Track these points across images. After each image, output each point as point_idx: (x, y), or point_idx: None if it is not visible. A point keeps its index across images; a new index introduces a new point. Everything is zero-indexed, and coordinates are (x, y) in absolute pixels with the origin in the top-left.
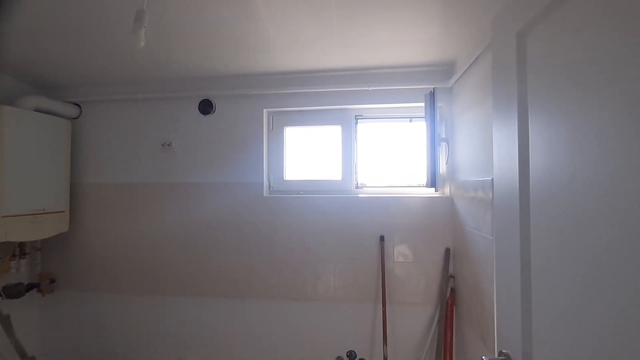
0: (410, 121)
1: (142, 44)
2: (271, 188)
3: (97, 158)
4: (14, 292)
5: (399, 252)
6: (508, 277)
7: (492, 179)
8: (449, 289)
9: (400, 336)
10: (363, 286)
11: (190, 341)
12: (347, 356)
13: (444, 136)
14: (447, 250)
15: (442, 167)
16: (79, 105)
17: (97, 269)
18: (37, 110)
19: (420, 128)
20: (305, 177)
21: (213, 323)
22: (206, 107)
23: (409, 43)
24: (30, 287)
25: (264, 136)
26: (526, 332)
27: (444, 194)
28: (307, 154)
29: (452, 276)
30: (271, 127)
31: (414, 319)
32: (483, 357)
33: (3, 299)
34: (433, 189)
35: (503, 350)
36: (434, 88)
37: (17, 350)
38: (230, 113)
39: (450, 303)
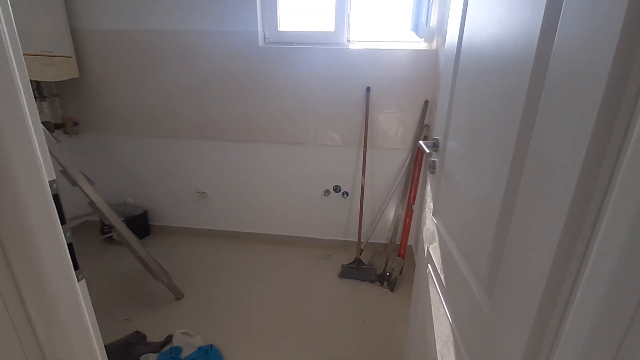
0: None
1: None
2: (266, 39)
3: (93, 3)
4: (45, 128)
5: (383, 103)
6: (443, 97)
7: None
8: (422, 136)
9: (378, 173)
10: (349, 132)
11: (202, 177)
12: (334, 189)
13: None
14: (426, 102)
15: (433, 19)
16: None
17: (113, 114)
18: None
19: None
20: (299, 29)
21: (219, 163)
22: None
23: None
24: (57, 126)
25: None
26: (446, 129)
27: (431, 47)
28: (301, 3)
29: (426, 125)
30: None
31: (391, 161)
32: (420, 142)
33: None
34: (420, 38)
35: (435, 137)
36: None
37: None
38: None
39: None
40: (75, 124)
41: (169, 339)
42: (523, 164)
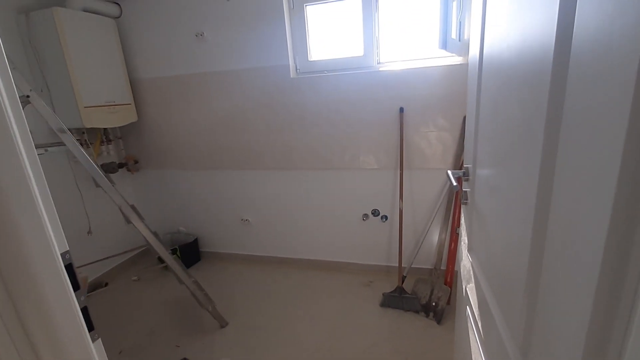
0: None
1: None
2: (297, 70)
3: (144, 55)
4: (109, 168)
5: (418, 122)
6: (469, 119)
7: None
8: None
9: (418, 195)
10: (384, 155)
11: (244, 205)
12: (372, 213)
13: None
14: (465, 118)
15: (467, 31)
16: (118, 4)
17: (166, 151)
18: (84, 10)
19: None
20: (329, 57)
21: (260, 191)
22: None
23: None
24: (120, 166)
25: (285, 17)
26: (475, 156)
27: (465, 61)
28: (330, 32)
29: None
30: (292, 6)
31: (431, 181)
32: (448, 171)
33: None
34: (452, 54)
35: (465, 165)
36: None
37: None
38: None
39: (463, 165)
40: (136, 162)
41: None
42: (549, 198)
